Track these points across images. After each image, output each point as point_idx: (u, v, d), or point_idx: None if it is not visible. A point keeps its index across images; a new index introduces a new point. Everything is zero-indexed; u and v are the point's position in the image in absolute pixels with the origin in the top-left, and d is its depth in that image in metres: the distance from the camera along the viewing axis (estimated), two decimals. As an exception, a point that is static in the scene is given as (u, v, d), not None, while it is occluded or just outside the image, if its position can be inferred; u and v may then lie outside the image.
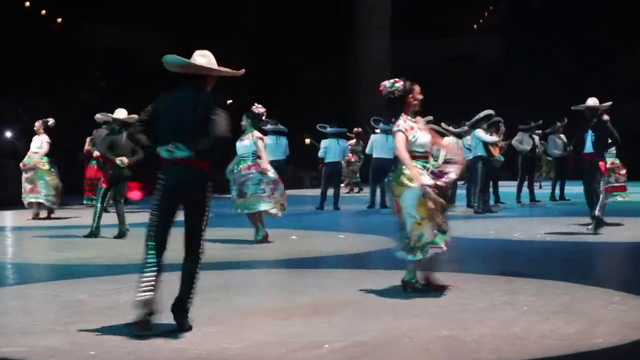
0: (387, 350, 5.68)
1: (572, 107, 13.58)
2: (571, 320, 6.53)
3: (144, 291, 6.02)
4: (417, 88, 7.95)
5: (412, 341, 5.90)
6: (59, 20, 33.22)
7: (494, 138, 17.25)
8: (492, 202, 18.38)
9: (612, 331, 6.18)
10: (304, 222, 15.88)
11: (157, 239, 6.13)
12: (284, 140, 18.84)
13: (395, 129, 7.82)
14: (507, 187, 20.75)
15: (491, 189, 18.48)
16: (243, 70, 6.52)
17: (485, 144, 17.09)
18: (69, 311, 7.04)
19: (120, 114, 13.17)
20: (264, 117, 12.53)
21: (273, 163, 18.27)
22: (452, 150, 9.02)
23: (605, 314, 6.79)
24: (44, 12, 32.80)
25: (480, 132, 17.11)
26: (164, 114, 6.27)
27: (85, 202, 18.74)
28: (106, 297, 7.71)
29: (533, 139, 20.42)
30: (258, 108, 12.22)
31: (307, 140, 28.48)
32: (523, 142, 20.22)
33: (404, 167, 7.64)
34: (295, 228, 14.26)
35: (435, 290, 7.80)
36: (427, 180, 7.56)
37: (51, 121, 16.79)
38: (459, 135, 18.66)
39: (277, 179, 12.18)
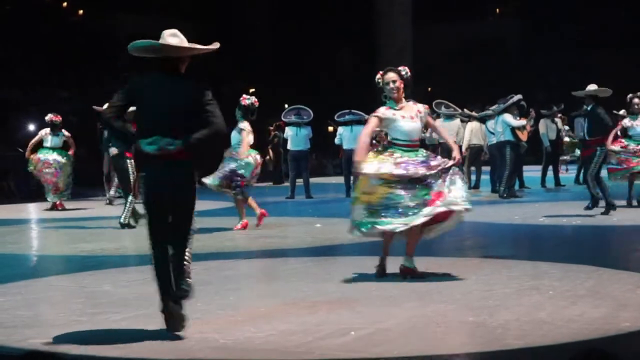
0: (413, 337, 5.66)
1: (573, 93, 13.56)
2: (597, 304, 6.49)
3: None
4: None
5: (438, 328, 5.88)
6: (80, 12, 33.30)
7: (521, 122, 16.98)
8: (517, 186, 18.28)
9: (639, 315, 6.14)
10: (328, 209, 15.87)
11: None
12: (304, 131, 18.89)
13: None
14: (531, 172, 20.63)
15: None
16: (217, 44, 5.98)
17: (513, 129, 16.89)
18: (95, 302, 7.06)
19: None
20: (254, 107, 12.30)
21: (295, 153, 18.70)
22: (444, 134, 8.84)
23: (632, 298, 6.76)
24: (65, 4, 32.92)
25: (508, 117, 16.83)
26: (145, 102, 5.75)
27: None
28: (131, 287, 7.72)
29: (556, 124, 20.22)
30: (245, 99, 12.16)
31: (331, 128, 28.47)
32: (548, 131, 19.96)
33: None
34: (320, 216, 14.26)
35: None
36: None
37: None
38: (482, 120, 18.55)
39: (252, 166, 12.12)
